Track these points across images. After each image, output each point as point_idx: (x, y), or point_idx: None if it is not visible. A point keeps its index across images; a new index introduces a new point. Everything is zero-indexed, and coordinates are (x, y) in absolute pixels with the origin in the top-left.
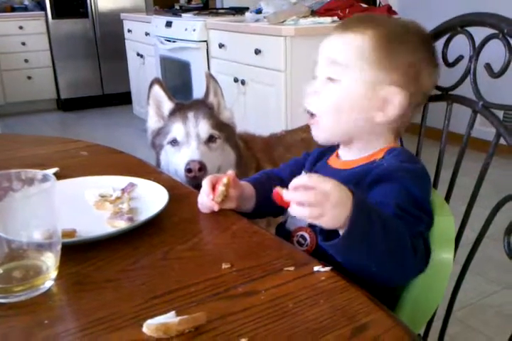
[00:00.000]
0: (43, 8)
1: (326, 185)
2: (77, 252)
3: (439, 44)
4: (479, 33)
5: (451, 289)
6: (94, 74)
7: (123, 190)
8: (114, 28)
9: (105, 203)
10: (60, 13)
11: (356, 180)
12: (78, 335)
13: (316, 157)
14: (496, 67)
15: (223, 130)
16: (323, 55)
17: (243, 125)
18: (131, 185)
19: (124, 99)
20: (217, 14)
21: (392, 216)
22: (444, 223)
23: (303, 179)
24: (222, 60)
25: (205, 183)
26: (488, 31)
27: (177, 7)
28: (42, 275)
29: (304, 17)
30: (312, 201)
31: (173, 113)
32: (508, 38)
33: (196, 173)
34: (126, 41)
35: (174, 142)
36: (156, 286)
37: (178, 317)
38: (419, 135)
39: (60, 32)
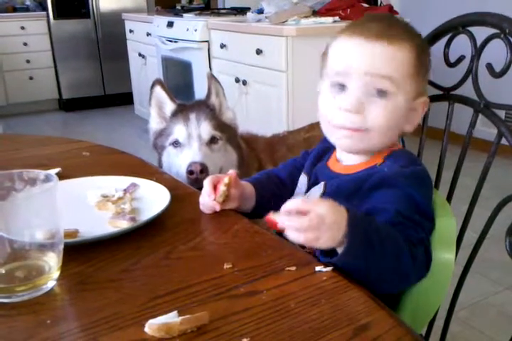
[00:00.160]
0: (45, 9)
1: (321, 208)
2: (79, 252)
3: (441, 44)
4: (481, 32)
5: (452, 289)
6: (96, 75)
7: (125, 190)
8: (116, 29)
9: (107, 203)
10: (62, 13)
11: (356, 185)
12: (80, 335)
13: (316, 157)
14: (498, 67)
15: (225, 131)
16: (365, 68)
17: (245, 125)
18: (133, 185)
19: (126, 99)
20: (218, 14)
21: (390, 225)
22: (446, 224)
23: (296, 203)
24: (223, 60)
25: (207, 183)
26: (490, 31)
27: (178, 7)
28: (44, 275)
29: (306, 17)
30: (308, 226)
31: (175, 114)
32: (510, 38)
33: (198, 175)
34: (127, 41)
35: (176, 143)
36: (158, 286)
37: (180, 317)
38: (421, 135)
39: (62, 32)
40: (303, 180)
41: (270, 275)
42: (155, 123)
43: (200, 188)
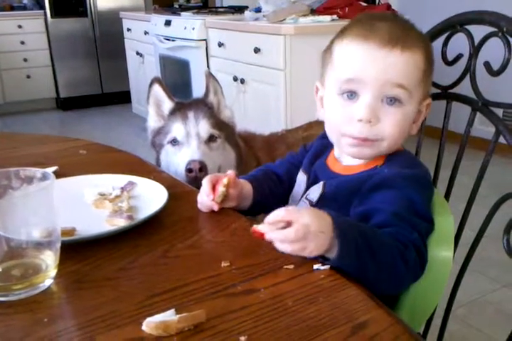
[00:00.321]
0: (42, 7)
1: (305, 218)
2: (76, 250)
3: (439, 42)
4: (478, 31)
5: (450, 287)
6: (94, 73)
7: (122, 189)
8: (114, 27)
9: (104, 202)
10: (59, 12)
11: (356, 186)
12: (77, 333)
13: (314, 154)
14: (496, 66)
15: (223, 129)
16: (379, 76)
17: (243, 124)
18: (131, 183)
19: (124, 97)
20: (216, 13)
21: (385, 226)
22: (444, 222)
23: (280, 213)
24: (221, 58)
25: (205, 183)
26: (488, 29)
27: (176, 6)
28: (41, 273)
29: (304, 15)
30: (294, 237)
31: (173, 112)
32: (508, 36)
33: (197, 173)
34: (125, 40)
35: (174, 142)
36: (156, 284)
37: (178, 315)
38: (419, 134)
39: (59, 31)
40: (302, 178)
41: (268, 274)
42: (153, 122)
43: (199, 187)
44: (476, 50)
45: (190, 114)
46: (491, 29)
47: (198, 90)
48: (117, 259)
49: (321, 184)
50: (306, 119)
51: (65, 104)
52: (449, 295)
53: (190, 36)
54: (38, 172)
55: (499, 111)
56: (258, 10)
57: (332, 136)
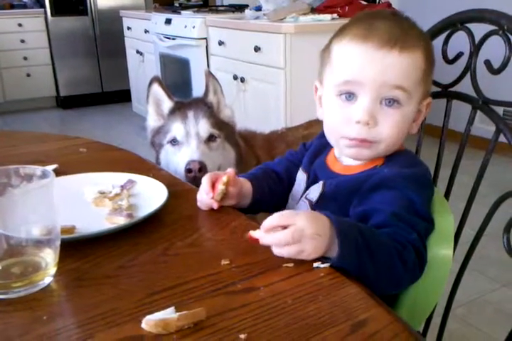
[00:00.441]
0: (42, 6)
1: (299, 221)
2: (76, 248)
3: (439, 41)
4: (479, 29)
5: (450, 286)
6: (94, 72)
7: (122, 187)
8: (114, 26)
9: (104, 200)
10: (60, 10)
11: (356, 185)
12: (77, 331)
13: (314, 153)
14: (496, 64)
15: (223, 129)
16: (377, 78)
17: (243, 123)
18: (131, 181)
19: (124, 96)
20: (216, 11)
21: (384, 226)
22: (444, 220)
23: (275, 219)
24: (221, 57)
25: (205, 181)
26: (488, 27)
27: (176, 4)
28: (41, 271)
29: (304, 14)
30: (289, 240)
31: (172, 112)
32: (508, 34)
33: (196, 173)
34: (125, 39)
35: (174, 141)
36: (155, 282)
37: (178, 313)
38: (419, 133)
39: (60, 29)
40: (301, 177)
41: (267, 272)
42: (152, 121)
43: (198, 186)
44: (476, 48)
45: (190, 114)
46: (492, 27)
47: (198, 89)
48: (117, 257)
49: (320, 183)
50: (306, 118)
51: (65, 102)
52: (449, 293)
53: (190, 35)
54: (37, 170)
55: (500, 110)
56: (258, 8)
57: (330, 138)
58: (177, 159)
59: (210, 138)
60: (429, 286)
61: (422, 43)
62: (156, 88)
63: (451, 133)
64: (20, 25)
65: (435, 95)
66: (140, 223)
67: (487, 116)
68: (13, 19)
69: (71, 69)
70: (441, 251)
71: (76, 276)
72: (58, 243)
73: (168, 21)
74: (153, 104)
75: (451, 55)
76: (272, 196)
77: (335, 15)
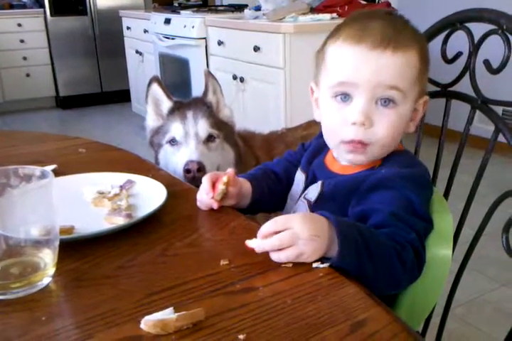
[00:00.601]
0: (42, 6)
1: (295, 223)
2: (75, 249)
3: (438, 40)
4: (478, 29)
5: (449, 286)
6: (93, 72)
7: (121, 187)
8: (113, 26)
9: (103, 200)
10: (59, 10)
11: (354, 185)
12: (76, 332)
13: (313, 153)
14: (495, 63)
15: (222, 129)
16: (372, 78)
17: (242, 123)
18: (130, 181)
19: (123, 96)
20: (216, 11)
21: (382, 226)
22: (442, 219)
23: (270, 225)
24: (221, 57)
25: (205, 181)
26: (487, 27)
27: (176, 4)
28: (40, 271)
29: (303, 14)
30: (285, 243)
31: (171, 112)
32: (507, 34)
33: (195, 173)
34: (125, 38)
35: (173, 141)
36: (154, 283)
37: (176, 314)
38: (418, 132)
39: (59, 29)
40: (300, 177)
41: (267, 272)
42: (152, 121)
43: (198, 187)
44: (475, 47)
45: (189, 114)
46: (491, 27)
47: (197, 88)
48: (116, 257)
49: (319, 183)
50: (305, 118)
51: (65, 102)
52: (448, 293)
53: (189, 34)
54: (36, 170)
55: (499, 109)
56: (258, 8)
57: (329, 141)
58: (176, 159)
59: (209, 138)
60: (429, 286)
61: (416, 42)
62: (155, 88)
63: (451, 133)
64: (19, 25)
65: (434, 95)
66: (139, 223)
67: (486, 116)
68: (13, 19)
69: (70, 69)
70: (441, 250)
71: (75, 277)
72: (57, 243)
73: (167, 21)
74: (153, 103)
75: (450, 55)
76: (271, 196)
77: (334, 15)
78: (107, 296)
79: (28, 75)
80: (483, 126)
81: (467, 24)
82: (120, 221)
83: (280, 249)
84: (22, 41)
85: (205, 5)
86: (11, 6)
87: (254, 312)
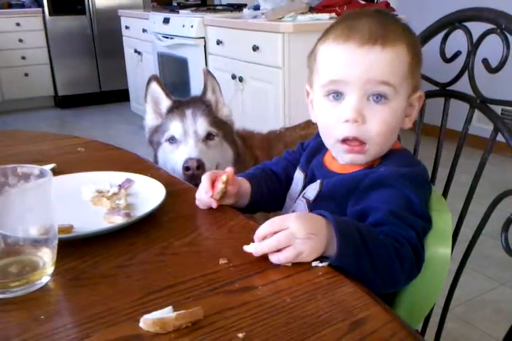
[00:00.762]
0: (40, 5)
1: (291, 223)
2: (73, 248)
3: (437, 40)
4: (477, 28)
5: (448, 285)
6: (92, 71)
7: (120, 186)
8: (112, 25)
9: (102, 199)
10: (58, 9)
11: (353, 184)
12: (74, 331)
13: (312, 153)
14: (494, 63)
15: (221, 127)
16: (362, 76)
17: (241, 122)
18: (129, 180)
19: (122, 96)
20: (215, 11)
21: (381, 224)
22: (441, 218)
23: (266, 227)
24: (219, 56)
25: (205, 179)
26: (486, 26)
27: (175, 3)
28: (38, 270)
29: (302, 13)
30: (282, 243)
31: (170, 110)
32: (506, 33)
33: (194, 171)
34: (123, 38)
35: (172, 140)
36: (153, 282)
37: (175, 312)
38: (417, 132)
39: (58, 29)
40: (299, 176)
41: (265, 271)
42: (150, 120)
43: (197, 185)
44: (474, 47)
45: (188, 112)
46: (490, 26)
47: (196, 88)
48: (115, 256)
49: (318, 182)
50: (304, 117)
51: (63, 102)
52: (447, 292)
53: (188, 34)
54: (35, 169)
55: (498, 109)
56: (257, 8)
57: (326, 142)
58: (175, 157)
59: (208, 137)
60: (428, 285)
61: (405, 38)
62: (154, 87)
63: (449, 133)
64: (18, 24)
65: (433, 94)
66: (138, 222)
67: (485, 115)
68: (11, 18)
69: (69, 69)
70: (440, 249)
71: (74, 276)
72: (56, 242)
73: (166, 20)
74: (152, 102)
75: (449, 54)
76: (270, 196)
77: (333, 15)
78: (105, 295)
79: (26, 75)
80: (482, 126)
81: (466, 23)
82: (119, 220)
83: (278, 251)
84: (21, 40)
85: (203, 4)
86: (10, 6)
87: (253, 311)
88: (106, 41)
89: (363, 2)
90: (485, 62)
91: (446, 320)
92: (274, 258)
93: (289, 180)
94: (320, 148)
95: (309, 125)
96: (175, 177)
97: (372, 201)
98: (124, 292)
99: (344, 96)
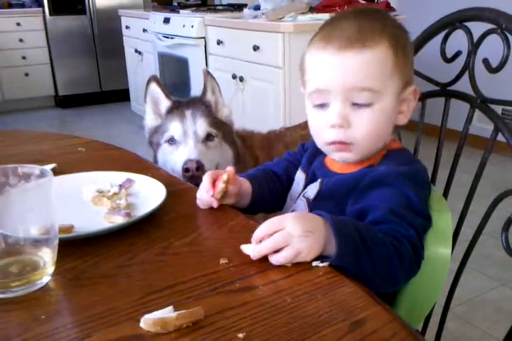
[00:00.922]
0: (41, 5)
1: (287, 222)
2: (74, 248)
3: (438, 39)
4: (478, 28)
5: (449, 285)
6: (92, 71)
7: (120, 186)
8: (112, 25)
9: (103, 199)
10: (58, 9)
11: (352, 183)
12: (75, 330)
13: (313, 154)
14: (494, 63)
15: (221, 128)
16: (342, 84)
17: (241, 122)
18: (129, 180)
19: (122, 95)
20: (215, 10)
21: (380, 222)
22: (441, 218)
23: (262, 229)
24: (220, 56)
25: (206, 179)
26: (487, 26)
27: (175, 3)
28: (39, 270)
29: (303, 13)
30: (279, 243)
31: (170, 111)
32: (507, 33)
33: (194, 172)
34: (124, 38)
35: (171, 140)
36: (154, 281)
37: (176, 312)
38: (418, 132)
39: (58, 29)
40: (300, 177)
41: (266, 271)
42: (150, 120)
43: (197, 185)
44: (475, 47)
45: (188, 113)
46: (490, 26)
47: (196, 88)
48: (115, 256)
49: (318, 182)
50: (304, 117)
51: (64, 101)
52: (448, 292)
53: (189, 34)
54: (36, 169)
55: (498, 109)
56: (257, 8)
57: (317, 144)
58: (174, 158)
59: (208, 138)
60: (428, 285)
61: (386, 35)
62: (154, 87)
63: (450, 132)
64: (18, 24)
65: (434, 94)
66: (138, 222)
67: (485, 115)
68: (12, 18)
69: (69, 69)
70: (440, 249)
71: (74, 275)
72: (56, 242)
73: (166, 20)
74: (151, 103)
75: (449, 54)
76: (271, 196)
77: (333, 15)
78: (106, 295)
79: (27, 74)
80: (482, 126)
81: (466, 23)
82: (119, 220)
83: (277, 252)
84: (21, 40)
85: (204, 4)
86: (10, 5)
87: (254, 311)
88: (106, 41)
89: (363, 2)
90: (485, 62)
91: (447, 319)
92: (274, 260)
93: (290, 180)
94: (319, 151)
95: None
96: (175, 177)
97: (372, 200)
98: (125, 292)
99: (329, 104)
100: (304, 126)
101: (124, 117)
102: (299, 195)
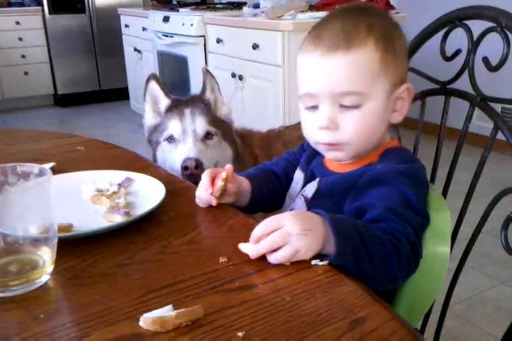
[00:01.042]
0: (40, 4)
1: (285, 221)
2: (73, 246)
3: (437, 38)
4: (477, 26)
5: (448, 283)
6: (92, 70)
7: (120, 185)
8: (112, 24)
9: (102, 198)
10: (57, 8)
11: (351, 182)
12: (74, 329)
13: (312, 153)
14: (494, 61)
15: (220, 126)
16: (328, 88)
17: (241, 120)
18: (128, 179)
19: (122, 94)
20: (214, 9)
21: (379, 220)
22: (440, 216)
23: (260, 228)
24: (219, 55)
25: (205, 177)
26: (486, 24)
27: (174, 2)
28: (38, 269)
29: (302, 12)
30: (277, 242)
31: (169, 109)
32: (506, 31)
33: (193, 171)
34: (123, 36)
35: (171, 139)
36: (153, 280)
37: (175, 311)
38: (417, 130)
39: (57, 27)
40: (299, 176)
41: (265, 270)
42: (149, 119)
43: (196, 183)
44: (474, 45)
45: (187, 111)
46: (490, 24)
47: (196, 86)
48: (114, 255)
49: (316, 181)
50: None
51: (63, 100)
52: (447, 290)
53: (188, 32)
54: (35, 168)
55: (498, 107)
56: (256, 6)
57: (310, 143)
58: (173, 156)
59: (207, 136)
60: (427, 283)
61: (371, 35)
62: (153, 85)
63: (449, 131)
64: (17, 23)
65: (433, 92)
66: (137, 221)
67: (485, 114)
68: (11, 17)
69: (69, 67)
70: (439, 248)
71: (73, 274)
72: (55, 241)
73: (166, 19)
74: (150, 101)
75: (449, 52)
76: (270, 195)
77: None
78: (105, 294)
79: (26, 73)
80: (482, 124)
81: (466, 21)
82: (118, 219)
83: (275, 250)
84: (20, 39)
85: (203, 3)
86: (9, 4)
87: (253, 309)
88: (106, 39)
89: (363, 0)
90: (485, 60)
91: (446, 318)
92: (272, 259)
93: (289, 180)
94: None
95: None
96: (174, 176)
97: (370, 198)
98: (124, 291)
99: (318, 107)
100: None
101: (123, 116)
102: (298, 194)
